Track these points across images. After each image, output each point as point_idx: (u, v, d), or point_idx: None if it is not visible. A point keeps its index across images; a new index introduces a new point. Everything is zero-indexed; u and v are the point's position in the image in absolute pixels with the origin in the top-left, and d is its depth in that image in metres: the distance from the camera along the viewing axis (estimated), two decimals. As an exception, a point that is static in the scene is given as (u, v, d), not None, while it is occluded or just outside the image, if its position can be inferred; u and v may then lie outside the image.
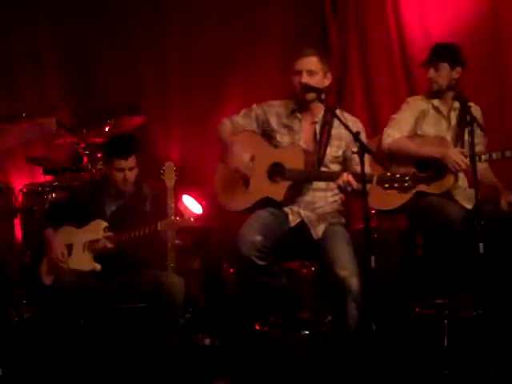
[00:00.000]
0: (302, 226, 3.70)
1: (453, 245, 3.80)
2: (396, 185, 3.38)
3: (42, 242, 3.83)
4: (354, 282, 3.43)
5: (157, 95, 5.75)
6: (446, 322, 3.84)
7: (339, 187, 3.51)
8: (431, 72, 4.08)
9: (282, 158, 3.70)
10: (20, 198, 4.91)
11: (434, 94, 4.13)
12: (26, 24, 5.51)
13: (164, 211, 3.71)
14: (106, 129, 5.05)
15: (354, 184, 3.41)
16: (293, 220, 3.71)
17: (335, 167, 3.75)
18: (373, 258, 3.22)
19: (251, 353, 4.02)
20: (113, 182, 3.82)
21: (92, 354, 3.70)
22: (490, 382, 3.42)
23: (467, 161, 3.81)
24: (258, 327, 4.05)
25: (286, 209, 3.72)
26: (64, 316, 3.51)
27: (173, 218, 3.66)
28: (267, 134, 3.83)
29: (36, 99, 5.51)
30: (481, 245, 3.45)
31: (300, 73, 3.68)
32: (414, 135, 4.10)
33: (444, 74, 4.05)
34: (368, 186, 3.37)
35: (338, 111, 3.70)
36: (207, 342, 4.20)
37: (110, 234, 3.73)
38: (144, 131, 5.48)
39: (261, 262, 3.51)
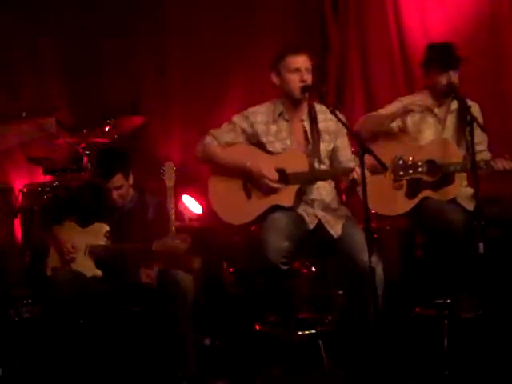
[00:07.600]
0: (318, 226, 3.65)
1: (454, 248, 3.77)
2: (410, 171, 3.38)
3: (47, 238, 3.80)
4: (380, 271, 3.45)
5: (157, 95, 5.76)
6: (446, 322, 3.84)
7: (350, 182, 3.48)
8: (456, 76, 3.92)
9: (283, 163, 3.66)
10: (20, 198, 4.91)
11: (432, 95, 4.03)
12: (26, 24, 5.51)
13: (166, 220, 3.59)
14: (106, 129, 5.05)
15: (368, 176, 3.36)
16: (311, 222, 3.66)
17: (328, 161, 3.75)
18: (373, 259, 3.23)
19: (251, 353, 4.02)
20: None
21: (93, 355, 3.69)
22: (490, 381, 3.42)
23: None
24: (258, 327, 4.05)
25: (300, 211, 3.67)
26: (61, 308, 3.48)
27: (169, 240, 3.51)
28: (257, 145, 3.77)
29: (36, 99, 5.51)
30: (481, 245, 3.44)
31: (299, 70, 3.64)
32: (410, 136, 4.05)
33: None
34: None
35: (318, 106, 3.75)
36: (207, 341, 4.19)
37: (108, 243, 3.70)
38: (144, 131, 5.49)
39: (285, 267, 3.49)
